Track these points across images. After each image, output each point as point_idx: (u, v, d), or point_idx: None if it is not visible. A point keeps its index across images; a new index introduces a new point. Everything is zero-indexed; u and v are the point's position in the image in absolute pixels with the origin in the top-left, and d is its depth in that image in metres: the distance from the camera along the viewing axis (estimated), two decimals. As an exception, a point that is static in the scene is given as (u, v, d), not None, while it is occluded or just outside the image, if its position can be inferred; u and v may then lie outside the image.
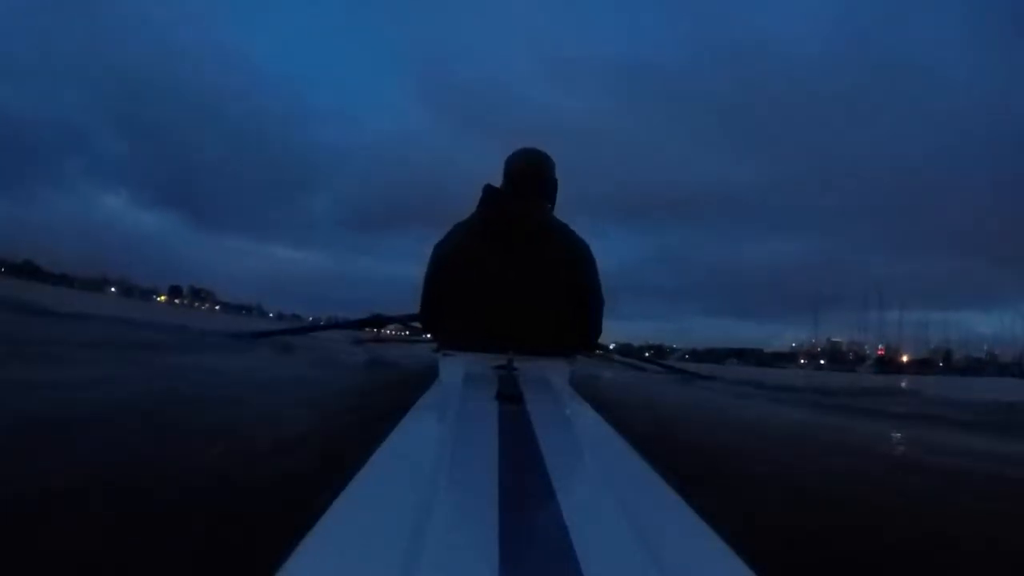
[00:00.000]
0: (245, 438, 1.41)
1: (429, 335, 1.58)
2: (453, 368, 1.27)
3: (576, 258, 1.40)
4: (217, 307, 53.20)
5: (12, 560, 0.66)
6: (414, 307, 1.59)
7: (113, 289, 48.02)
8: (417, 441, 0.75)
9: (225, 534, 0.76)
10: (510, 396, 0.88)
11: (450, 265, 1.39)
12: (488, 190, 1.37)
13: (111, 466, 1.04)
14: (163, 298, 52.61)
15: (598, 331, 1.49)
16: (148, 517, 0.81)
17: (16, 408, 1.40)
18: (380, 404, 1.67)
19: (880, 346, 45.68)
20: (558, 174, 1.48)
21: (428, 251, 1.47)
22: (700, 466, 1.60)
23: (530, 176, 1.42)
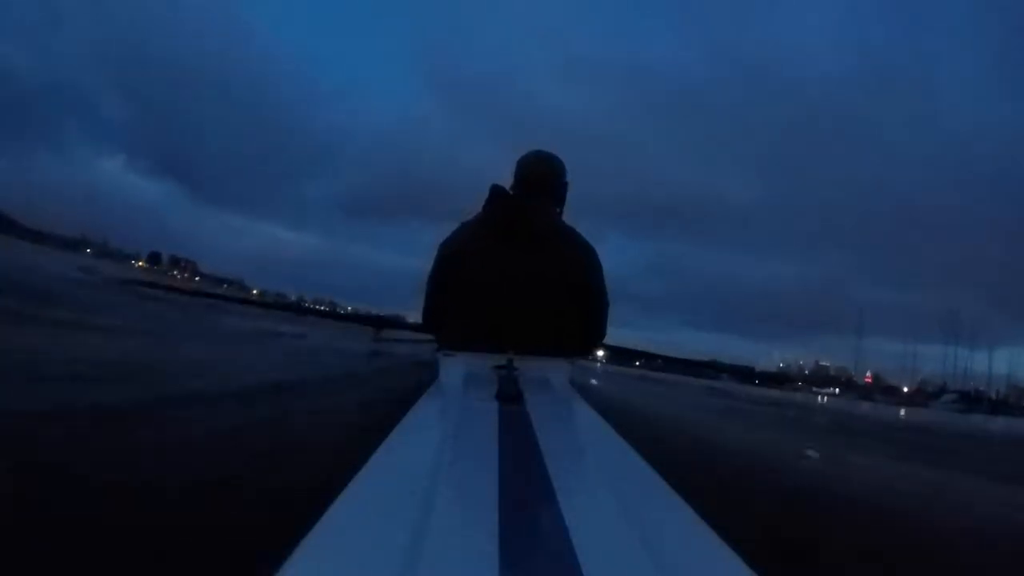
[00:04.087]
0: (245, 438, 1.43)
1: (431, 334, 1.59)
2: (453, 368, 1.29)
3: (581, 260, 1.42)
4: (197, 277, 53.00)
5: (14, 560, 0.68)
6: (408, 303, 1.61)
7: (88, 250, 47.63)
8: (417, 441, 0.77)
9: (226, 534, 0.78)
10: (510, 396, 0.90)
11: (455, 264, 1.40)
12: (495, 190, 1.38)
13: (111, 465, 1.06)
14: (142, 263, 52.31)
15: (602, 333, 1.51)
16: (149, 517, 0.82)
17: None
18: (380, 404, 1.69)
19: (868, 373, 45.33)
20: (569, 177, 1.51)
21: (424, 244, 1.50)
22: (700, 466, 1.64)
23: (539, 178, 1.46)
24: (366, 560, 0.41)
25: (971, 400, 36.24)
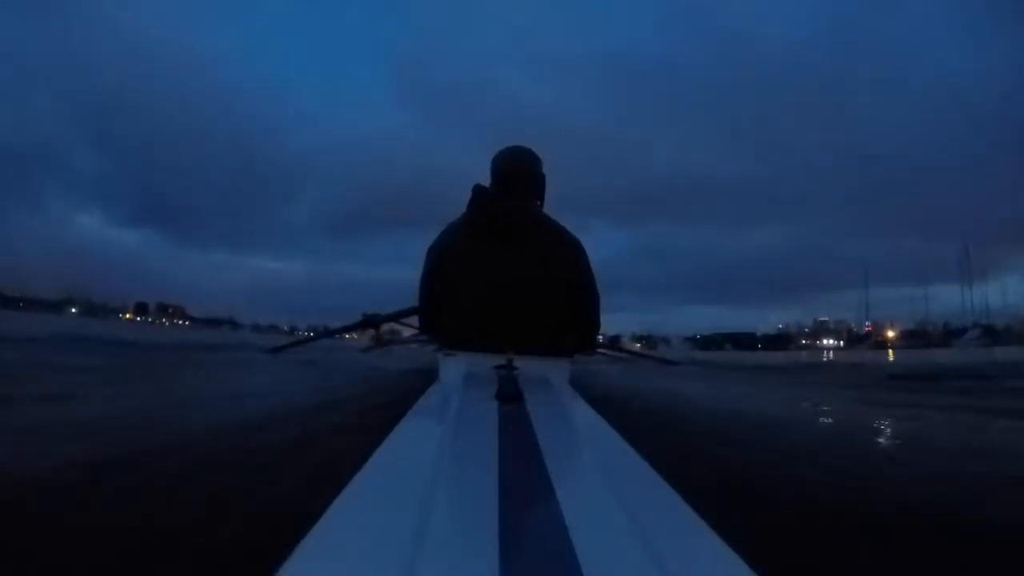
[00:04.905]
0: (246, 439, 1.42)
1: (429, 336, 1.61)
2: (453, 368, 1.30)
3: (569, 254, 1.44)
4: (187, 322, 52.53)
5: (16, 562, 0.67)
6: (406, 305, 1.62)
7: (74, 309, 47.08)
8: (417, 441, 0.76)
9: (226, 534, 0.78)
10: (510, 396, 0.90)
11: (445, 266, 1.42)
12: (478, 190, 1.40)
13: (113, 466, 1.05)
14: (129, 315, 51.78)
15: (596, 327, 1.53)
16: (150, 517, 0.81)
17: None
18: (380, 404, 1.69)
19: (867, 323, 45.23)
20: (545, 169, 1.53)
21: (412, 253, 1.51)
22: (700, 465, 1.63)
23: (518, 174, 1.47)
24: (366, 559, 0.40)
25: (995, 334, 32.85)
